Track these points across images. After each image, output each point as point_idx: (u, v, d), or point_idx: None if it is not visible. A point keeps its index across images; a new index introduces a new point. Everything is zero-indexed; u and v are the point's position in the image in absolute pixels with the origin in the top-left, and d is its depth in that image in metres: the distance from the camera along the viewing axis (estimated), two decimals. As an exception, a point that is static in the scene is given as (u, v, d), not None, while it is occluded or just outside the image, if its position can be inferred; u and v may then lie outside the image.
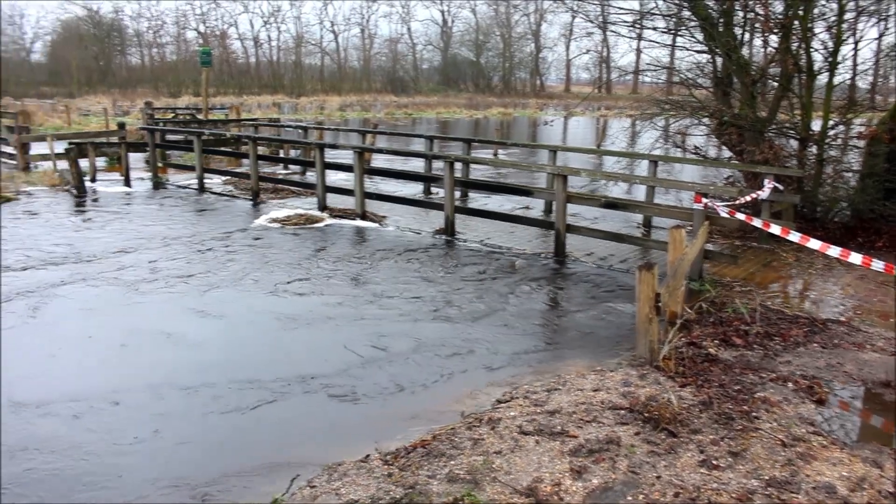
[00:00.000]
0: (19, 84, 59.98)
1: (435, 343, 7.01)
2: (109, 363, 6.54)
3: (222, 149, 19.66)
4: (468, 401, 5.71)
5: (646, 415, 5.03)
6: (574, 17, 57.29)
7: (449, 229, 11.70)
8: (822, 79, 11.76)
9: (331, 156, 15.61)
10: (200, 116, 26.89)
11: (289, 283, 8.98)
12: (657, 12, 13.92)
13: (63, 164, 16.94)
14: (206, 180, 16.64)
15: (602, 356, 6.64)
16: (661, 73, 15.71)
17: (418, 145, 24.76)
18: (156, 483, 4.53)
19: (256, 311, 7.97)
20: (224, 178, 17.89)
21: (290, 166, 19.90)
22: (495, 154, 23.23)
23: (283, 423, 5.39)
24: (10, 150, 20.07)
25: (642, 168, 13.51)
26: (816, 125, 11.93)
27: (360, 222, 12.78)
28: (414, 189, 16.30)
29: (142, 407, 5.59)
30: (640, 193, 14.87)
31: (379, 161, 20.14)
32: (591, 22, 18.04)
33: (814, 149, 11.76)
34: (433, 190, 15.87)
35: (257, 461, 4.80)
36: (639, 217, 12.91)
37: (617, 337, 7.25)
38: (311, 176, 16.97)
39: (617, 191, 15.85)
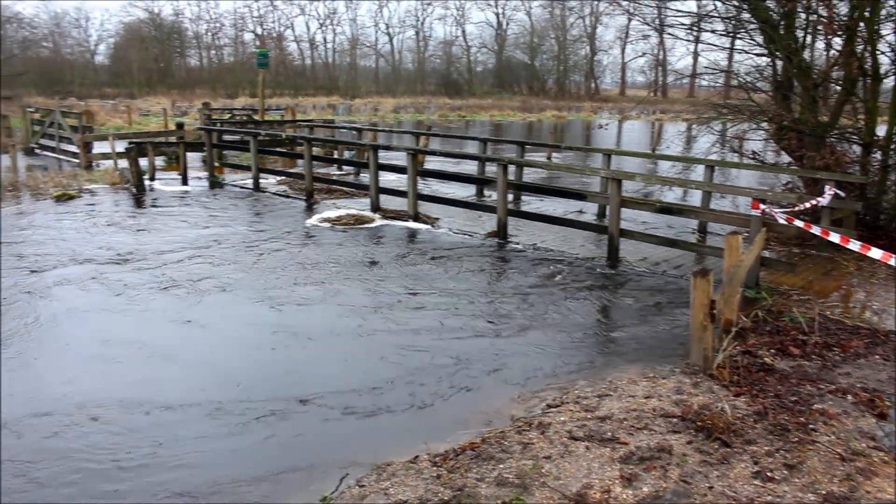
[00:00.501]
0: (83, 85, 61.96)
1: (486, 346, 7.00)
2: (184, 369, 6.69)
3: (277, 149, 19.97)
4: (518, 405, 5.70)
5: (698, 423, 4.95)
6: (630, 20, 56.95)
7: (501, 232, 11.67)
8: (889, 82, 11.46)
9: (384, 157, 15.70)
10: (256, 117, 27.36)
11: (336, 284, 9.08)
12: (716, 14, 13.71)
13: (123, 163, 17.45)
14: (261, 180, 16.92)
15: (654, 363, 6.55)
16: (718, 77, 15.41)
17: (471, 147, 24.74)
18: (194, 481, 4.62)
19: (305, 315, 8.06)
20: (279, 178, 18.16)
21: (344, 167, 20.11)
22: (549, 157, 23.09)
23: (337, 423, 5.44)
24: (73, 148, 20.73)
25: (698, 173, 13.30)
26: (881, 130, 11.60)
27: (411, 224, 12.83)
28: (467, 191, 16.30)
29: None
30: (695, 198, 14.65)
31: (432, 163, 20.23)
32: (648, 24, 17.93)
33: (878, 155, 11.42)
34: (486, 192, 15.84)
35: (307, 461, 4.86)
36: (694, 222, 12.72)
37: (670, 344, 7.15)
38: (364, 177, 17.10)
39: (672, 196, 15.62)
